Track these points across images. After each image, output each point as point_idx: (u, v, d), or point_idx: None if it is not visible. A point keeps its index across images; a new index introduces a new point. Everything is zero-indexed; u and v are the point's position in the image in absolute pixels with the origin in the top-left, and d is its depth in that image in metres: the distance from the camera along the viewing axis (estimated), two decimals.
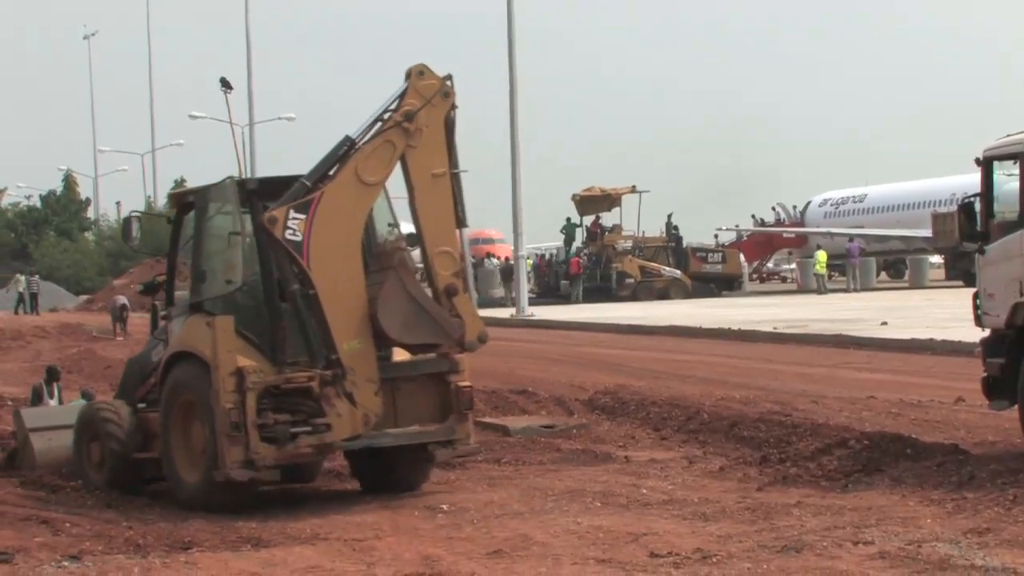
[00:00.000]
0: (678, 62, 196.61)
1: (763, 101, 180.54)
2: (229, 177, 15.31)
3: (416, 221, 15.01)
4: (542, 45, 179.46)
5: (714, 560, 11.44)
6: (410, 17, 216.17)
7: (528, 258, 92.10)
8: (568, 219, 68.66)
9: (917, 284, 66.55)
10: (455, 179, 15.04)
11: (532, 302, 63.43)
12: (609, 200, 66.38)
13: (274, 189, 14.92)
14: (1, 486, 15.98)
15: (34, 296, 71.81)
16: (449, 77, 14.97)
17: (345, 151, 14.75)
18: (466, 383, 15.23)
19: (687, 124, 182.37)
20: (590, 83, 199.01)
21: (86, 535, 13.32)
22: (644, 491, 15.10)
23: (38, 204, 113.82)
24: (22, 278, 74.52)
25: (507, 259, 72.22)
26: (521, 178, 51.49)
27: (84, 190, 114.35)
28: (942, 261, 72.52)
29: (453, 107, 14.94)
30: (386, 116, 14.83)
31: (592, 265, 65.77)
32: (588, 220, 67.38)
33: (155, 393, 15.77)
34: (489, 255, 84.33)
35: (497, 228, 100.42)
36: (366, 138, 14.78)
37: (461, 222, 15.13)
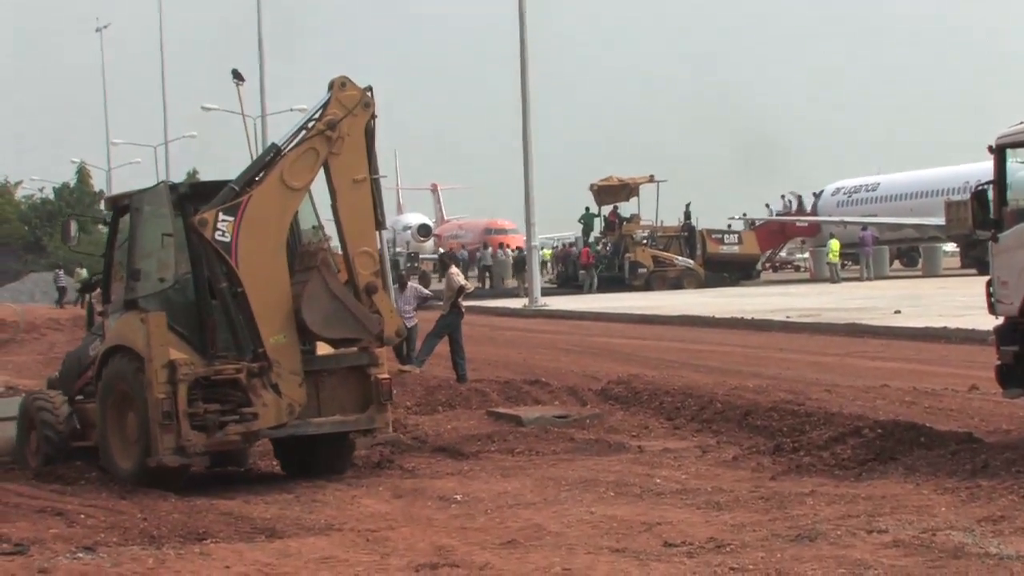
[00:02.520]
0: (697, 51, 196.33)
1: (780, 89, 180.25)
2: (162, 182, 16.38)
3: (338, 223, 15.86)
4: (556, 34, 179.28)
5: (728, 549, 11.43)
6: (421, 8, 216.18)
7: (546, 248, 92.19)
8: (587, 209, 68.58)
9: (930, 272, 66.41)
10: (375, 184, 15.91)
11: (552, 292, 63.49)
12: (627, 190, 66.28)
13: (205, 193, 15.83)
14: (16, 478, 16.03)
15: (62, 290, 72.74)
16: (369, 88, 15.91)
17: (272, 157, 15.68)
18: (385, 375, 16.11)
19: (706, 113, 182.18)
20: (608, 70, 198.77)
21: (101, 526, 13.33)
22: (658, 480, 15.10)
23: (51, 196, 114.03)
24: (61, 273, 78.42)
25: (519, 248, 72.27)
26: (534, 168, 51.42)
27: (97, 182, 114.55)
28: (956, 249, 72.39)
29: (373, 117, 15.87)
30: (310, 125, 15.73)
31: (611, 255, 65.67)
32: (607, 210, 67.27)
33: (92, 385, 16.59)
34: (502, 245, 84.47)
35: (510, 218, 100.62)
36: (291, 145, 15.70)
37: (380, 224, 16.00)
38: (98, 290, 17.44)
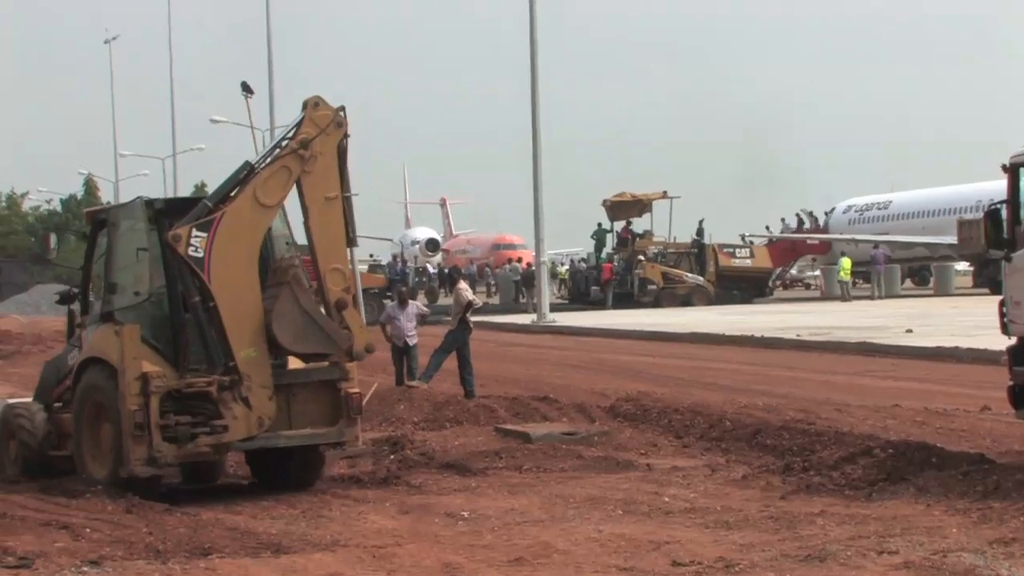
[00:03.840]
0: (710, 64, 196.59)
1: (793, 105, 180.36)
2: (139, 197, 16.67)
3: (309, 240, 16.11)
4: (566, 46, 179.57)
5: (737, 569, 11.36)
6: (430, 20, 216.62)
7: (562, 265, 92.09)
8: (599, 224, 68.52)
9: (942, 291, 66.26)
10: (347, 202, 16.21)
11: (563, 308, 63.38)
12: (640, 206, 66.20)
13: (180, 209, 16.20)
14: (20, 490, 16.00)
15: None
16: (342, 108, 16.21)
17: (245, 175, 15.99)
18: (355, 390, 16.42)
19: (719, 129, 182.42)
20: (619, 84, 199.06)
21: (106, 540, 13.28)
22: (666, 499, 15.02)
23: (59, 208, 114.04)
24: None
25: (528, 264, 72.23)
26: (542, 184, 51.41)
27: (105, 194, 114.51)
28: (968, 268, 72.25)
29: (345, 136, 16.15)
30: (283, 143, 16.05)
31: (623, 271, 65.61)
32: (619, 225, 67.22)
33: (70, 394, 16.96)
34: (510, 260, 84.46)
35: (519, 233, 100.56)
36: (265, 163, 16.03)
37: (352, 241, 16.35)
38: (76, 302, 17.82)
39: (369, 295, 55.21)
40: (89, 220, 17.87)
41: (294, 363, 16.28)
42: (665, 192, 66.03)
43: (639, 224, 67.08)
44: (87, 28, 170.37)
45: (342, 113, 16.15)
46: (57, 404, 17.49)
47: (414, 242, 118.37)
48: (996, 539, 11.93)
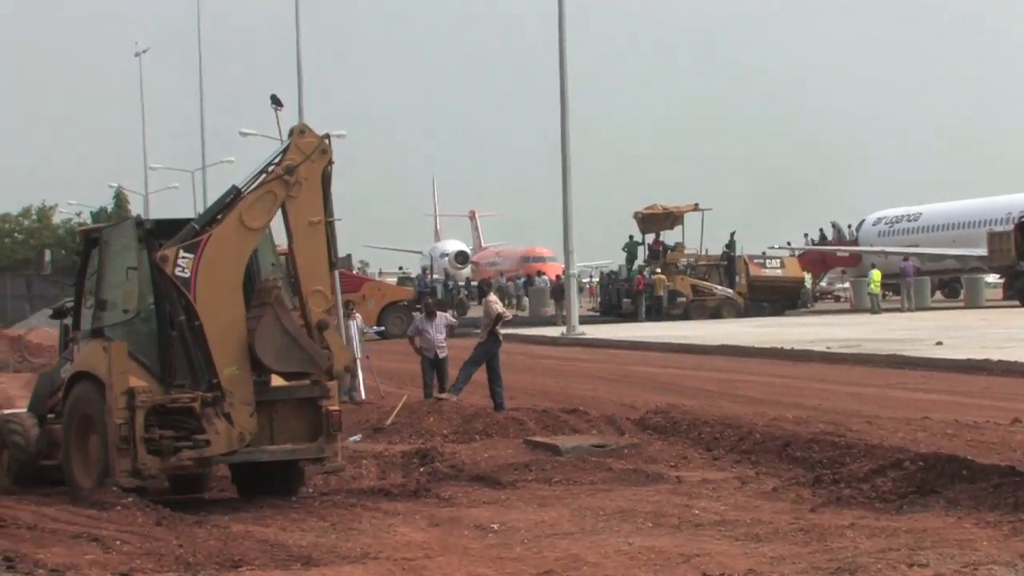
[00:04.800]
0: (740, 76, 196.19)
1: (827, 118, 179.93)
2: (130, 217, 17.29)
3: (293, 263, 16.61)
4: (596, 57, 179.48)
5: None
6: (459, 33, 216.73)
7: (590, 278, 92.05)
8: (630, 237, 68.45)
9: (973, 304, 66.00)
10: (330, 227, 16.71)
11: (595, 320, 63.30)
12: (671, 218, 66.13)
13: (170, 229, 16.69)
14: (52, 503, 16.05)
15: None
16: (327, 136, 16.91)
17: (232, 199, 16.53)
18: (335, 407, 16.79)
19: (750, 142, 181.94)
20: (650, 96, 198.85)
21: (136, 552, 13.30)
22: (696, 512, 14.99)
23: (89, 221, 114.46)
24: None
25: (557, 277, 72.24)
26: (572, 195, 51.43)
27: (135, 207, 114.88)
28: (998, 280, 71.98)
29: (330, 163, 16.69)
30: (270, 169, 16.57)
31: (654, 284, 65.45)
32: (650, 238, 67.11)
33: (61, 406, 17.51)
34: (540, 273, 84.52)
35: (548, 246, 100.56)
36: (251, 188, 16.55)
37: (334, 265, 16.88)
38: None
39: (398, 307, 55.38)
40: (83, 238, 18.56)
41: (277, 380, 16.71)
42: (697, 204, 65.94)
43: (670, 236, 67.04)
44: (117, 41, 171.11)
45: (327, 140, 16.77)
46: (50, 415, 18.00)
47: (443, 255, 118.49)
48: None
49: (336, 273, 16.81)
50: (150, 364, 16.45)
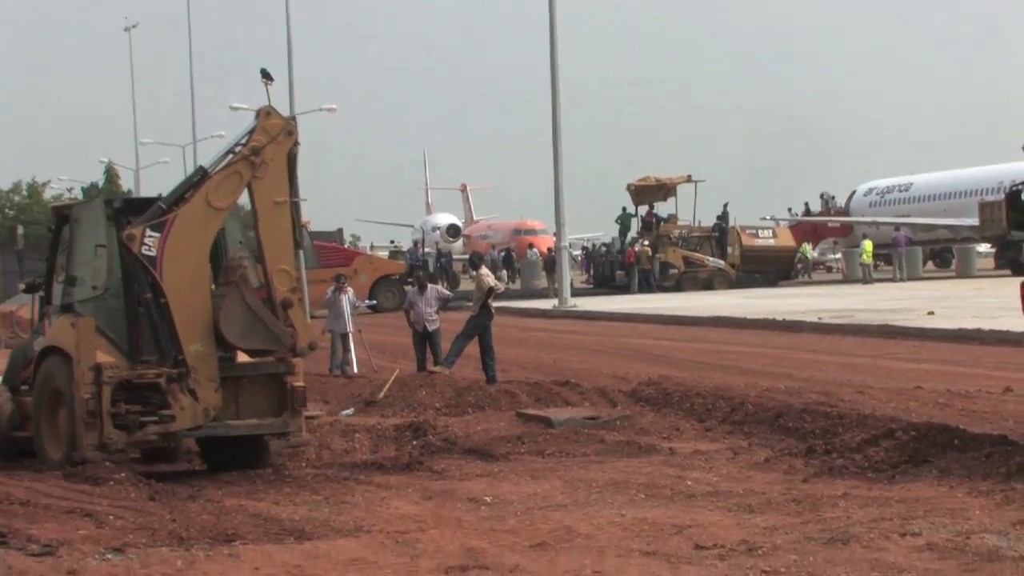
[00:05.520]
0: (732, 50, 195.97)
1: (819, 89, 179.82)
2: (99, 196, 17.34)
3: (258, 242, 16.85)
4: (587, 31, 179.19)
5: (760, 552, 11.34)
6: (453, 4, 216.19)
7: (580, 249, 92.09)
8: (623, 209, 68.39)
9: (964, 273, 66.04)
10: (295, 207, 17.02)
11: (589, 292, 63.26)
12: (664, 190, 66.03)
13: (138, 208, 17.14)
14: (45, 479, 16.05)
15: None
16: (293, 118, 17.39)
17: (199, 179, 16.88)
18: (300, 383, 17.06)
19: (744, 112, 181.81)
20: (640, 67, 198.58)
21: (129, 527, 13.30)
22: (689, 483, 15.01)
23: (80, 196, 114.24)
24: None
25: (549, 250, 72.18)
26: (563, 168, 51.39)
27: (126, 182, 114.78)
28: (990, 250, 72.00)
29: (296, 144, 16.99)
30: (236, 150, 16.88)
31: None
32: (643, 210, 67.05)
33: (32, 379, 17.85)
34: (531, 246, 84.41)
35: (540, 219, 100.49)
36: (217, 168, 16.88)
37: (299, 244, 17.14)
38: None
39: (390, 281, 55.34)
40: (55, 215, 18.78)
41: (243, 356, 16.99)
42: (689, 176, 65.85)
43: (663, 208, 66.98)
44: (107, 16, 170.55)
45: (293, 122, 17.10)
46: (24, 387, 18.31)
47: (435, 228, 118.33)
48: (1019, 520, 11.88)
49: (301, 252, 17.30)
50: (118, 340, 16.78)
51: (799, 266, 74.44)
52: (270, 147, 16.73)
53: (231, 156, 16.87)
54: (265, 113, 16.90)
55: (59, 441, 16.95)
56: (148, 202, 17.08)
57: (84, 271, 17.23)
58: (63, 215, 18.17)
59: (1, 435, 18.10)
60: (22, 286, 19.67)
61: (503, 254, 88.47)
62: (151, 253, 16.46)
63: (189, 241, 16.59)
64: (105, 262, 17.02)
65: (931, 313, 36.74)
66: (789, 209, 78.30)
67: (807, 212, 77.33)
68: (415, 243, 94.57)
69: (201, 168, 17.05)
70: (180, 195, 16.85)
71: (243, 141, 16.86)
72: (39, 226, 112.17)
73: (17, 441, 18.01)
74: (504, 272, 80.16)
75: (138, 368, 16.61)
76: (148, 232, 16.47)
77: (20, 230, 21.09)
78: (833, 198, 77.64)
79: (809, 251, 78.23)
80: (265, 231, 16.76)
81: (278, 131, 16.82)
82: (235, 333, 16.55)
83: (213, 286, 16.92)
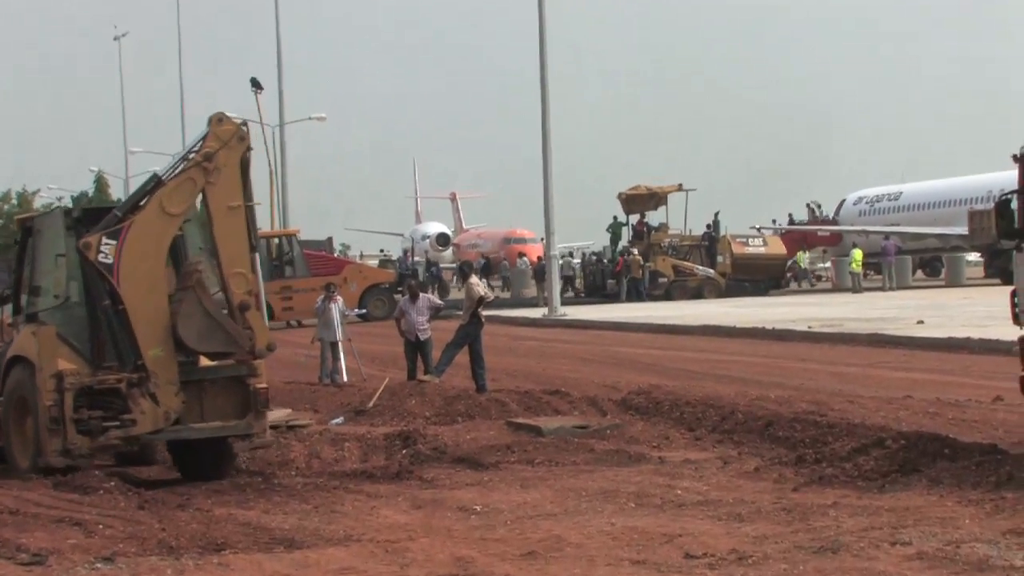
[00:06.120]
0: (721, 55, 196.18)
1: (810, 96, 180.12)
2: (58, 207, 17.73)
3: (214, 246, 17.03)
4: (577, 38, 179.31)
5: (750, 561, 11.34)
6: (440, 11, 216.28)
7: (570, 257, 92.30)
8: (615, 218, 68.45)
9: (954, 282, 66.17)
10: (249, 211, 17.20)
11: (578, 301, 63.26)
12: (655, 199, 66.10)
13: (96, 217, 17.32)
14: (34, 487, 16.03)
15: None
16: (245, 123, 17.51)
17: (153, 186, 17.07)
18: (263, 385, 17.25)
19: (734, 121, 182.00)
20: (635, 76, 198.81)
21: (119, 536, 13.29)
22: (679, 492, 15.00)
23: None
24: None
25: (539, 259, 72.19)
26: (553, 177, 51.37)
27: (115, 191, 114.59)
28: (979, 259, 72.07)
29: (248, 149, 17.19)
30: (189, 156, 17.08)
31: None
32: (634, 219, 67.10)
33: (0, 387, 18.04)
34: (521, 255, 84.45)
35: (530, 228, 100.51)
36: (171, 175, 17.08)
37: (254, 248, 17.25)
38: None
39: (380, 289, 55.31)
40: (20, 226, 19.13)
41: (205, 360, 17.15)
42: (680, 185, 65.92)
43: (654, 217, 67.02)
44: (96, 25, 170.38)
45: (244, 128, 17.29)
46: None
47: (424, 237, 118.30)
48: (1009, 529, 11.90)
49: (256, 256, 17.37)
50: (81, 347, 16.99)
51: (789, 275, 74.49)
52: (223, 152, 16.93)
53: (184, 163, 17.08)
54: (217, 119, 17.10)
55: (27, 449, 17.17)
56: (106, 211, 17.35)
57: (47, 281, 17.50)
58: (27, 227, 18.43)
59: None
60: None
61: (483, 262, 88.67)
62: (108, 261, 16.69)
63: (145, 248, 16.81)
64: (65, 271, 17.26)
65: (921, 322, 36.79)
66: (774, 220, 78.35)
67: (791, 223, 77.40)
68: (405, 252, 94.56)
69: (155, 175, 17.28)
70: (135, 203, 17.14)
71: (196, 148, 17.06)
72: None
73: None
74: (484, 280, 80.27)
75: (99, 374, 16.83)
76: (104, 240, 16.69)
77: None
78: (820, 207, 77.72)
79: (804, 260, 78.28)
80: (220, 236, 16.93)
81: (230, 136, 17.01)
82: (193, 337, 16.74)
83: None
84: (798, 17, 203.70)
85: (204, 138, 17.03)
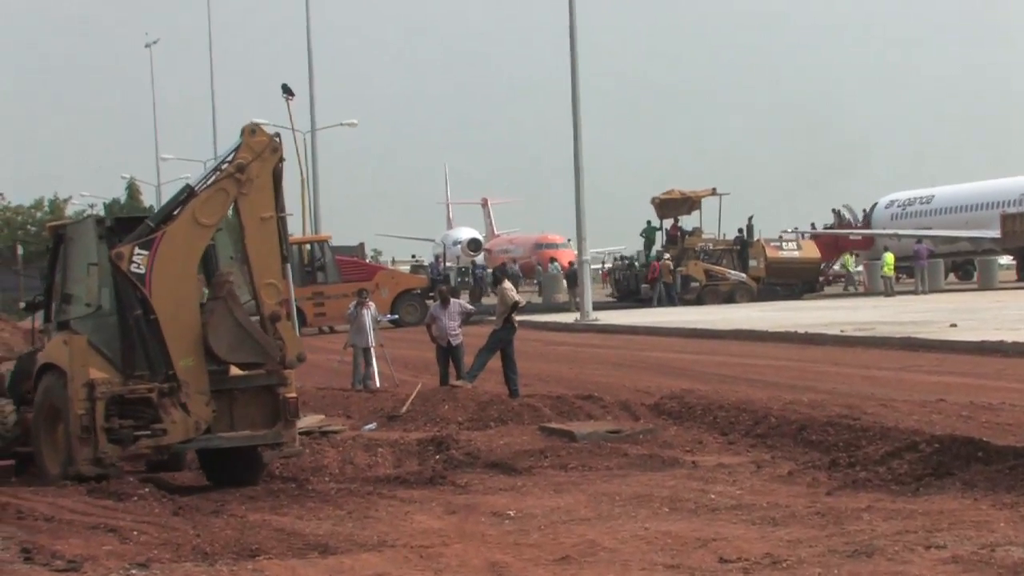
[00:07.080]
0: (759, 62, 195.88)
1: (841, 102, 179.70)
2: (90, 216, 17.88)
3: (246, 257, 17.13)
4: (609, 45, 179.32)
5: (784, 565, 11.33)
6: (472, 18, 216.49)
7: (603, 264, 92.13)
8: (648, 222, 68.37)
9: (986, 285, 65.83)
10: (281, 222, 17.28)
11: (608, 306, 63.18)
12: (689, 203, 65.92)
13: (129, 226, 17.45)
14: (69, 494, 16.09)
15: None
16: (278, 135, 17.48)
17: (186, 197, 17.17)
18: (292, 394, 17.35)
19: (771, 126, 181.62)
20: (662, 82, 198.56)
21: (154, 543, 13.33)
22: (712, 496, 14.99)
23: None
24: None
25: (570, 263, 72.16)
26: (584, 182, 51.35)
27: (147, 198, 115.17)
28: (1012, 262, 71.77)
29: (281, 160, 17.27)
30: (222, 167, 17.16)
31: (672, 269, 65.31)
32: (668, 223, 67.01)
33: (32, 393, 18.17)
34: (552, 260, 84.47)
35: (562, 233, 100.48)
36: (204, 186, 17.19)
37: (286, 259, 17.35)
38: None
39: (412, 295, 55.38)
40: (52, 234, 19.12)
41: (235, 369, 17.26)
42: (714, 189, 65.74)
43: (688, 221, 66.92)
44: (128, 32, 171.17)
45: (278, 139, 17.32)
46: (29, 395, 18.44)
47: (456, 242, 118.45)
48: None
49: (288, 266, 17.54)
50: (112, 356, 17.08)
51: (824, 279, 74.17)
52: (255, 164, 16.99)
53: (217, 174, 17.14)
54: (250, 130, 17.18)
55: (57, 456, 17.24)
56: (139, 220, 17.41)
57: (78, 289, 17.55)
58: (58, 234, 18.50)
59: (5, 449, 18.37)
60: (22, 304, 19.82)
61: (506, 268, 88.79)
62: (140, 271, 16.76)
63: (177, 258, 16.89)
64: (97, 280, 17.36)
65: (953, 325, 36.65)
66: (812, 224, 78.11)
67: (818, 228, 77.08)
68: (436, 257, 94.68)
69: (188, 186, 17.38)
70: (168, 213, 17.21)
71: (229, 159, 17.12)
72: None
73: (22, 457, 18.33)
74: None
75: (130, 383, 16.92)
76: (136, 250, 16.76)
77: (20, 248, 21.19)
78: (851, 209, 77.42)
79: (852, 263, 77.89)
80: (252, 246, 17.00)
81: (263, 148, 17.07)
82: (224, 347, 16.82)
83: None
84: (828, 28, 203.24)
85: (237, 149, 17.10)
